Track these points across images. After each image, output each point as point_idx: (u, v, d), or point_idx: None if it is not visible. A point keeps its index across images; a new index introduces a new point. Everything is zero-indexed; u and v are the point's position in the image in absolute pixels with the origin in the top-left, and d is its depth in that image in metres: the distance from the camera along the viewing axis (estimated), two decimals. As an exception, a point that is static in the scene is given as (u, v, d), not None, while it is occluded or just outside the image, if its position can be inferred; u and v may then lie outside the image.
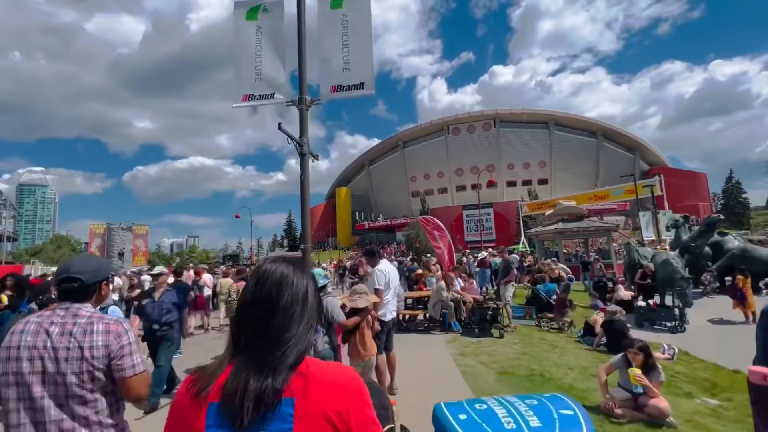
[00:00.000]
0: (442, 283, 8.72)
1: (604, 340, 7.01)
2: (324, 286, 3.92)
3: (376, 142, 75.87)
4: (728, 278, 11.36)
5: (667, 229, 14.42)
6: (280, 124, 4.49)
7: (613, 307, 7.18)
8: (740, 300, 10.27)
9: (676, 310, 9.46)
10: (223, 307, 10.15)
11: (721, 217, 11.95)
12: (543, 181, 58.67)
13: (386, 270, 4.94)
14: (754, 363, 1.69)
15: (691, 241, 11.90)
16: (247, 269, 11.14)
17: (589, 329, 7.64)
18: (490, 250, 17.29)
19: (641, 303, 10.20)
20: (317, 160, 5.37)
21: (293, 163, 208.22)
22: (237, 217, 39.68)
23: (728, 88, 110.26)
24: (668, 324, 9.42)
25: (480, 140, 60.13)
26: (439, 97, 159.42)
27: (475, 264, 16.01)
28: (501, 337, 7.52)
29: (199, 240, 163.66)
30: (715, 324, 10.05)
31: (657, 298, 10.51)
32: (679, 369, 6.11)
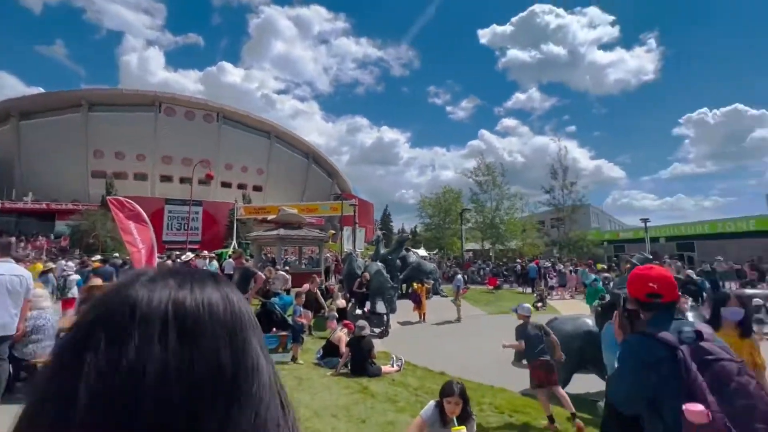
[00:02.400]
0: None
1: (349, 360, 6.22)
2: None
3: (39, 91, 52.77)
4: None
5: (371, 243, 16.41)
6: None
7: (361, 323, 6.52)
8: (417, 304, 12.55)
9: (385, 317, 10.30)
10: None
11: (409, 236, 14.77)
12: (258, 188, 58.39)
13: None
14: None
15: (389, 254, 13.78)
16: None
17: (331, 349, 6.69)
18: (205, 253, 14.15)
19: (358, 311, 10.54)
20: None
21: None
22: None
23: (388, 147, 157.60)
24: (377, 330, 10.08)
25: (198, 131, 53.10)
26: (154, 69, 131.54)
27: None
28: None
29: None
30: (404, 326, 11.76)
31: (368, 306, 11.25)
32: (412, 382, 6.02)
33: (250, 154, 57.26)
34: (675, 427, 1.43)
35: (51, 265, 11.78)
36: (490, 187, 26.05)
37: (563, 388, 5.85)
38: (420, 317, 12.19)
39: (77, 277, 10.62)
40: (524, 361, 7.76)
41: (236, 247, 29.58)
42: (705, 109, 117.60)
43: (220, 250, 33.35)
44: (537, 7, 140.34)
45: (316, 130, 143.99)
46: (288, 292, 9.97)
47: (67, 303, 9.60)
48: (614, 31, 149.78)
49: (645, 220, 24.29)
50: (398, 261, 13.85)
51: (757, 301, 9.55)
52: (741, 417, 1.36)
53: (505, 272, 22.65)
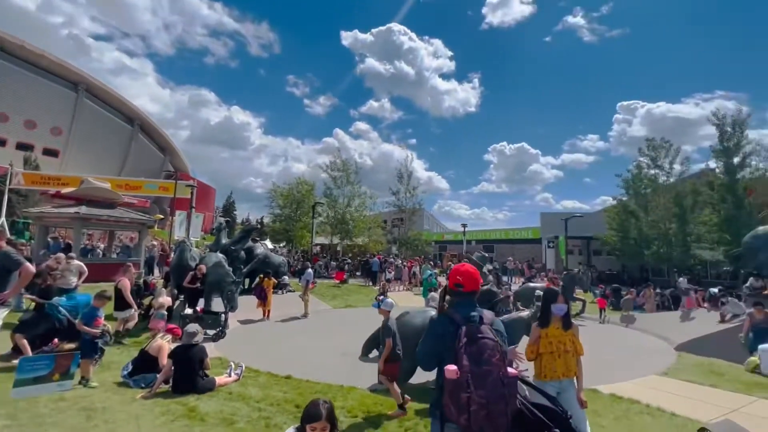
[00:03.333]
0: None
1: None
2: None
3: None
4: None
5: (212, 231, 14.15)
6: None
7: (191, 328, 5.18)
8: (263, 300, 11.37)
9: (223, 316, 8.83)
10: None
11: (258, 225, 13.25)
12: (52, 152, 44.38)
13: None
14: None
15: (232, 244, 12.12)
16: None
17: (146, 362, 5.10)
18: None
19: (188, 310, 8.73)
20: None
21: None
22: None
23: (237, 130, 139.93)
24: (211, 331, 8.56)
25: (-52, 58, 36.77)
26: None
27: None
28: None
29: None
30: (245, 324, 10.41)
31: (201, 304, 9.47)
32: (253, 393, 5.13)
33: (42, 106, 43.11)
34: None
35: None
36: (343, 183, 26.30)
37: (408, 379, 6.00)
38: (264, 314, 11.09)
39: None
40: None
41: (3, 226, 21.39)
42: (504, 143, 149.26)
43: (-25, 230, 23.66)
44: (394, 26, 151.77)
45: (148, 94, 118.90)
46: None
47: None
48: (451, 65, 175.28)
49: (464, 226, 28.96)
50: (242, 253, 12.33)
51: (538, 293, 12.29)
52: (482, 377, 1.92)
53: (351, 267, 23.24)
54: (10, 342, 5.70)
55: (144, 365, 5.14)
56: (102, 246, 19.05)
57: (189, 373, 4.78)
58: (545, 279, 16.36)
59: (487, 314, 2.23)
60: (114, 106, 51.20)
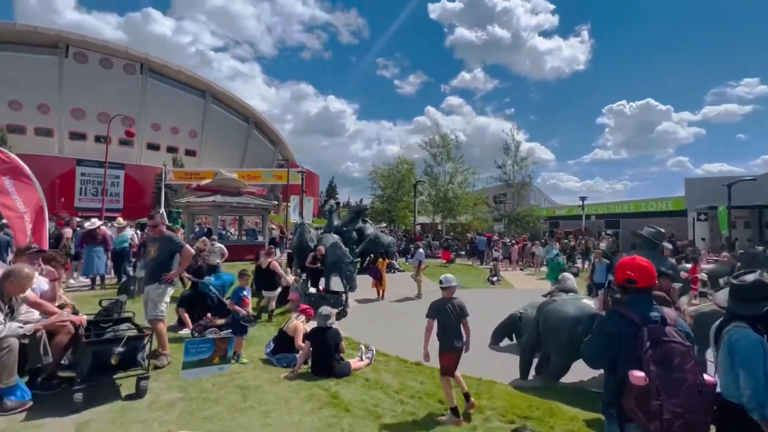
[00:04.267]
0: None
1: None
2: None
3: None
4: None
5: (322, 215, 14.80)
6: None
7: (325, 310, 5.13)
8: (378, 280, 11.39)
9: (343, 296, 8.99)
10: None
11: (368, 206, 13.36)
12: (191, 152, 52.53)
13: None
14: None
15: (344, 225, 12.35)
16: None
17: (285, 342, 5.24)
18: (120, 220, 11.38)
19: (312, 289, 9.09)
20: None
21: None
22: None
23: (334, 118, 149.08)
24: (333, 310, 8.77)
25: (117, 82, 45.61)
26: (59, 7, 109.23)
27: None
28: (141, 394, 3.65)
29: None
30: (362, 304, 10.57)
31: (323, 283, 9.84)
32: (389, 381, 4.84)
33: (181, 114, 50.95)
34: (623, 385, 1.93)
35: None
36: (443, 159, 25.26)
37: (562, 376, 5.09)
38: (379, 294, 11.11)
39: None
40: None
41: (164, 216, 26.02)
42: (623, 101, 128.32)
43: (144, 219, 29.38)
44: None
45: (258, 94, 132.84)
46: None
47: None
48: (554, 20, 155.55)
49: (583, 199, 25.42)
50: (354, 233, 12.51)
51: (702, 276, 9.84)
52: (674, 385, 1.81)
53: (456, 246, 22.42)
54: (175, 315, 6.47)
55: (283, 345, 5.26)
56: (233, 230, 21.67)
57: (326, 357, 4.68)
58: (707, 259, 13.20)
59: (669, 313, 2.06)
60: (233, 107, 57.97)
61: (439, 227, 27.21)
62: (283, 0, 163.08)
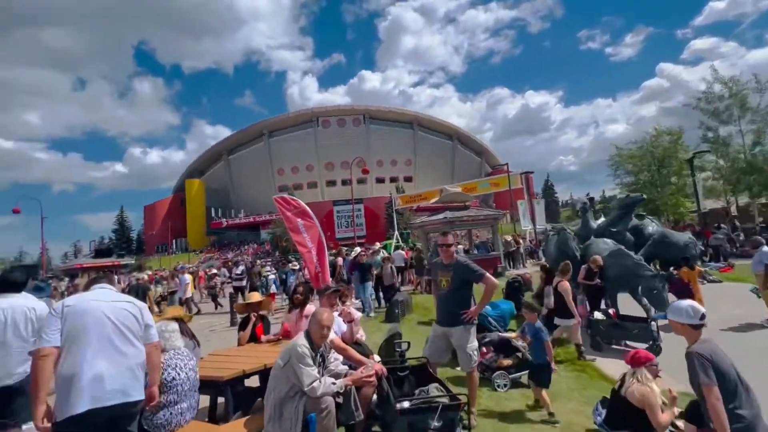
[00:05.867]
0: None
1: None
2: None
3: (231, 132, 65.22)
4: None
5: (577, 214, 12.17)
6: None
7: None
8: (688, 296, 7.90)
9: (653, 324, 6.34)
10: None
11: (644, 196, 9.90)
12: (408, 179, 58.53)
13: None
14: None
15: (611, 226, 9.37)
16: None
17: (624, 411, 3.44)
18: (377, 245, 12.76)
19: (597, 314, 6.86)
20: None
21: (138, 152, 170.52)
22: (16, 211, 26.31)
23: (535, 114, 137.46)
24: (641, 345, 6.22)
25: (350, 135, 56.45)
26: (309, 94, 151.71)
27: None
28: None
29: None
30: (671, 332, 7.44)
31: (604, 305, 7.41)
32: None
33: (397, 148, 57.79)
34: None
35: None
36: (734, 116, 17.15)
37: None
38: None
39: (274, 276, 12.54)
40: None
41: (398, 238, 28.86)
42: None
43: (384, 242, 33.66)
44: None
45: (454, 113, 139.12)
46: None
47: (270, 297, 10.58)
48: None
49: None
50: (628, 234, 9.34)
51: None
52: None
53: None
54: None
55: (619, 415, 3.43)
56: (462, 245, 21.37)
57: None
58: None
59: None
60: (437, 129, 61.46)
61: (751, 210, 18.37)
62: (464, 17, 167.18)
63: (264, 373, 3.50)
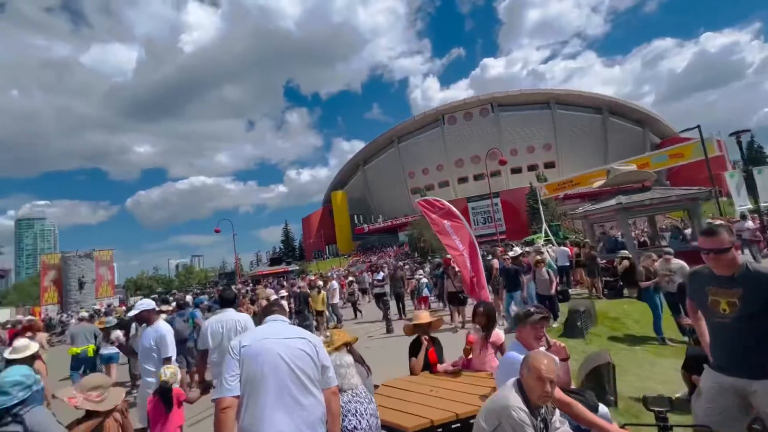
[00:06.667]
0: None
1: None
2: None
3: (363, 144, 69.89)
4: None
5: None
6: None
7: None
8: None
9: None
10: None
11: None
12: (549, 165, 52.18)
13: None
14: None
15: None
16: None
17: None
18: (540, 243, 11.04)
19: None
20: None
21: (293, 174, 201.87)
22: (217, 231, 33.54)
23: (721, 60, 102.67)
24: None
25: (478, 128, 53.79)
26: (432, 95, 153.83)
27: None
28: None
29: (203, 259, 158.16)
30: None
31: None
32: None
33: (532, 133, 52.33)
34: None
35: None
36: None
37: None
38: None
39: (426, 280, 11.67)
40: None
41: (547, 232, 25.48)
42: None
43: (530, 237, 30.32)
44: None
45: (599, 82, 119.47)
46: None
47: (421, 300, 10.87)
48: None
49: None
50: None
51: None
52: None
53: None
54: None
55: None
56: (620, 235, 17.26)
57: None
58: None
59: None
60: (579, 104, 53.24)
61: None
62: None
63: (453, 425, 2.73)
